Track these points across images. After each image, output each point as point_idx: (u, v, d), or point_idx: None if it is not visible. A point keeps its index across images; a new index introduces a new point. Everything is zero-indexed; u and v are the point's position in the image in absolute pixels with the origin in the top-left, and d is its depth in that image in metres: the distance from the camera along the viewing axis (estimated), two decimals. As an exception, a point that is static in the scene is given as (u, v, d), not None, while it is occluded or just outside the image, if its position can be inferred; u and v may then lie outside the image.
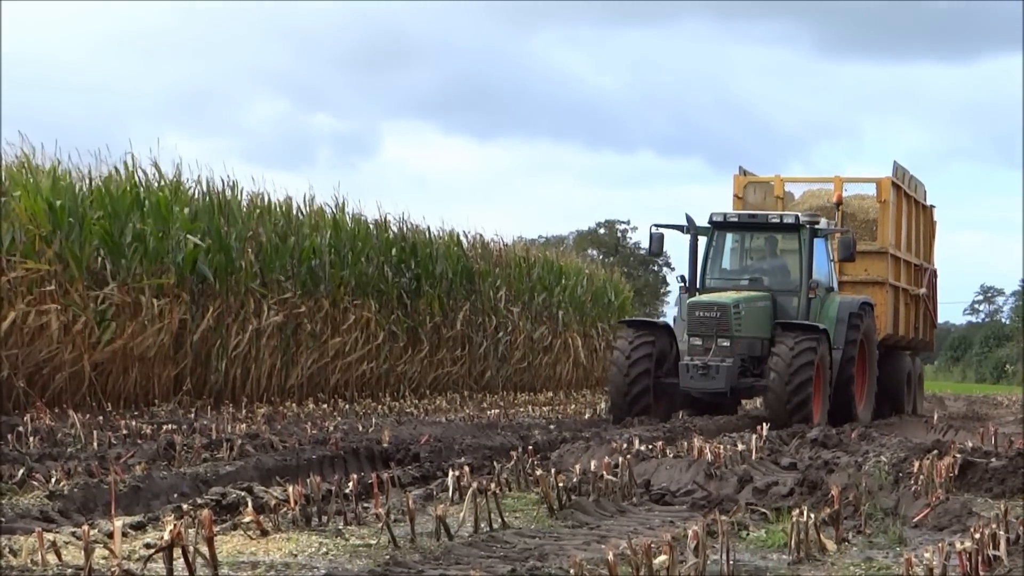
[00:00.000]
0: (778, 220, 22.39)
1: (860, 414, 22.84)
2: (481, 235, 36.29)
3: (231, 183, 26.14)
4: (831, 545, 8.43)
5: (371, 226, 30.33)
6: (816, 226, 22.23)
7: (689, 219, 22.62)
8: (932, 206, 29.38)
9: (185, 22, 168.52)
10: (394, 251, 30.64)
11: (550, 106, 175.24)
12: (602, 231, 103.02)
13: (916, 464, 11.41)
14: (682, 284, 22.57)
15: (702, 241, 22.89)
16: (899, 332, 26.47)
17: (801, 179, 27.05)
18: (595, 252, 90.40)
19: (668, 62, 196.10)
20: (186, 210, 23.75)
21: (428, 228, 33.07)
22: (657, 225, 22.51)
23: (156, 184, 23.83)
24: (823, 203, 25.32)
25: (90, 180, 22.66)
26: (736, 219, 22.72)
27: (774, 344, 21.21)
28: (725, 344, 21.13)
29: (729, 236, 22.83)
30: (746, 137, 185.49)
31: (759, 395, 22.30)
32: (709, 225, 22.55)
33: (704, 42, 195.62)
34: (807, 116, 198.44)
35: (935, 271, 29.61)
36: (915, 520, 9.68)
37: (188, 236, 23.32)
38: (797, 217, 22.28)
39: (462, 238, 34.69)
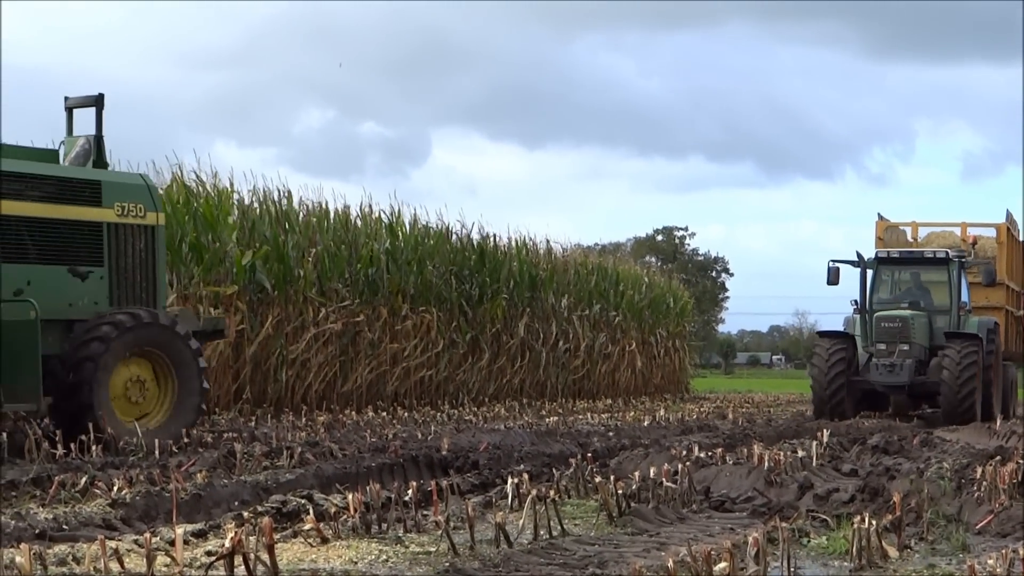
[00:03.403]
0: (932, 255, 27.43)
1: (996, 412, 26.84)
2: (548, 241, 36.45)
3: (286, 192, 26.33)
4: (893, 552, 8.36)
5: (436, 233, 30.36)
6: (962, 259, 27.24)
7: (859, 255, 27.29)
8: None
9: (230, 30, 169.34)
10: (455, 258, 30.64)
11: (597, 111, 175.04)
12: (660, 238, 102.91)
13: (979, 470, 11.30)
14: (855, 306, 27.10)
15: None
16: (1010, 348, 31.02)
17: (932, 223, 31.61)
18: (653, 259, 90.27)
19: (714, 65, 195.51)
20: (230, 219, 23.85)
21: (498, 236, 33.19)
22: (834, 260, 26.90)
23: (209, 194, 23.97)
24: (947, 243, 29.90)
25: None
26: (898, 255, 27.74)
27: (943, 349, 25.93)
28: (905, 348, 26.26)
29: (882, 269, 27.57)
30: (796, 141, 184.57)
31: (930, 390, 26.43)
32: (876, 260, 27.42)
33: (750, 44, 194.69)
34: (858, 119, 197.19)
35: None
36: (978, 527, 9.57)
37: (238, 246, 23.43)
38: (947, 253, 27.26)
39: (529, 246, 34.75)
